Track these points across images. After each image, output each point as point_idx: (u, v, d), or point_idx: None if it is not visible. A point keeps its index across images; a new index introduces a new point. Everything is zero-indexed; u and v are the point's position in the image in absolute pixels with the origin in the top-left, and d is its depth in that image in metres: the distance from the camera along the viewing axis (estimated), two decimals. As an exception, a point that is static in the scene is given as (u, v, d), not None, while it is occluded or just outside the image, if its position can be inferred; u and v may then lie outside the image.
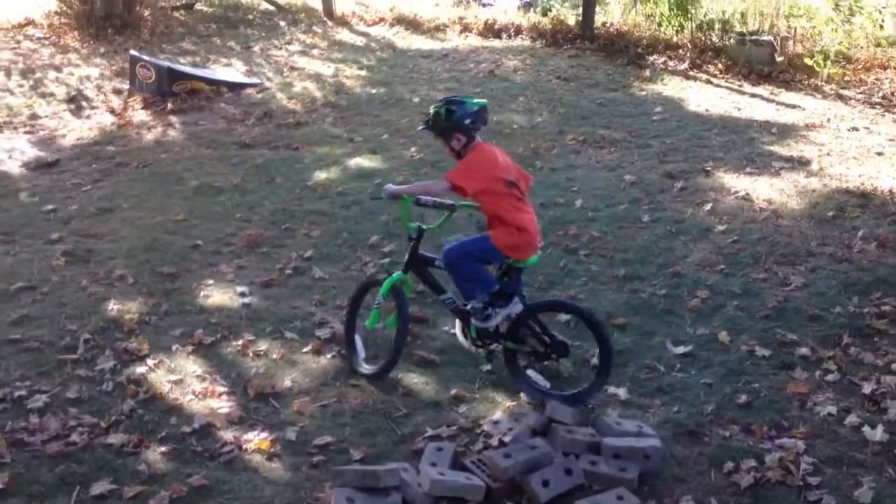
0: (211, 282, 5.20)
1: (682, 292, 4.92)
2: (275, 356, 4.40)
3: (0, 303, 4.95)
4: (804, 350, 4.26)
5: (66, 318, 4.77)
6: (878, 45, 9.43)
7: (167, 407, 3.97)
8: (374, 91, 8.99)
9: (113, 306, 4.89)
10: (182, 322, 4.75)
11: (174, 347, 4.48)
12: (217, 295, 5.04)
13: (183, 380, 4.20)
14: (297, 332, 4.63)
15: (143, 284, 5.16)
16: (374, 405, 3.98)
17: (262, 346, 4.50)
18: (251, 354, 4.42)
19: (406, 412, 3.92)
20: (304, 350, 4.45)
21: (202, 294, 5.06)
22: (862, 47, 9.39)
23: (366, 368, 4.26)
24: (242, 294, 5.03)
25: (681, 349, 4.35)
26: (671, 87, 8.92)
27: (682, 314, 4.71)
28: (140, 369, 4.27)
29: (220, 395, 4.07)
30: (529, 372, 4.16)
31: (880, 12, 9.15)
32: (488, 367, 4.26)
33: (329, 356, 4.40)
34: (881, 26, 9.28)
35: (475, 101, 4.15)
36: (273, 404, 4.00)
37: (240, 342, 4.52)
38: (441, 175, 4.32)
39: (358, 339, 4.42)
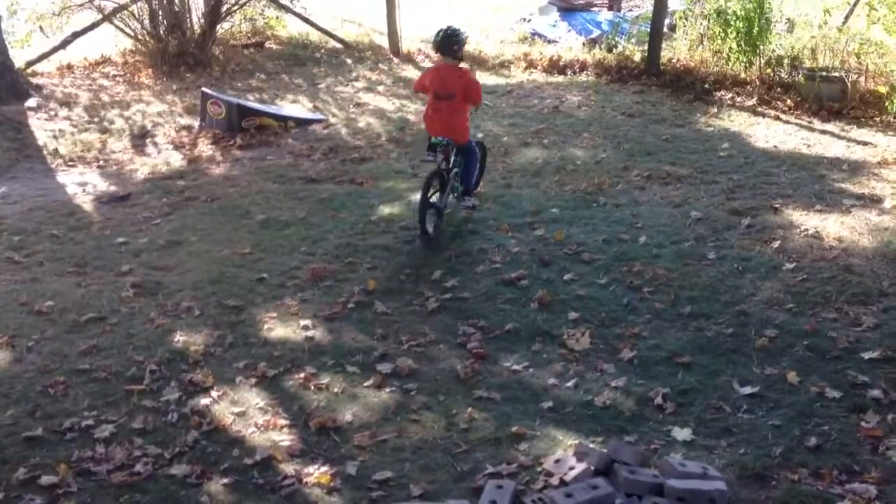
0: (275, 314, 5.26)
1: (749, 331, 4.82)
2: (336, 390, 4.43)
3: (70, 333, 5.08)
4: (876, 392, 4.13)
5: (133, 349, 4.87)
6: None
7: (230, 439, 4.01)
8: (438, 127, 9.05)
9: (179, 338, 4.98)
10: (246, 354, 4.81)
11: (238, 380, 4.54)
12: (280, 328, 5.10)
13: (246, 412, 4.24)
14: (359, 366, 4.65)
15: (209, 317, 5.25)
16: (434, 441, 3.96)
17: (324, 379, 4.53)
18: (313, 388, 4.45)
19: (466, 448, 3.90)
20: (366, 384, 4.47)
21: (266, 327, 5.12)
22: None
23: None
24: (305, 327, 5.08)
25: (748, 389, 4.25)
26: (738, 123, 8.81)
27: (749, 353, 4.60)
28: (204, 401, 4.33)
29: (282, 427, 4.10)
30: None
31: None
32: (550, 403, 4.22)
33: (389, 390, 4.41)
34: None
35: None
36: (334, 438, 4.02)
37: (302, 375, 4.56)
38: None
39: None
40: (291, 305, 5.37)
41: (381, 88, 10.74)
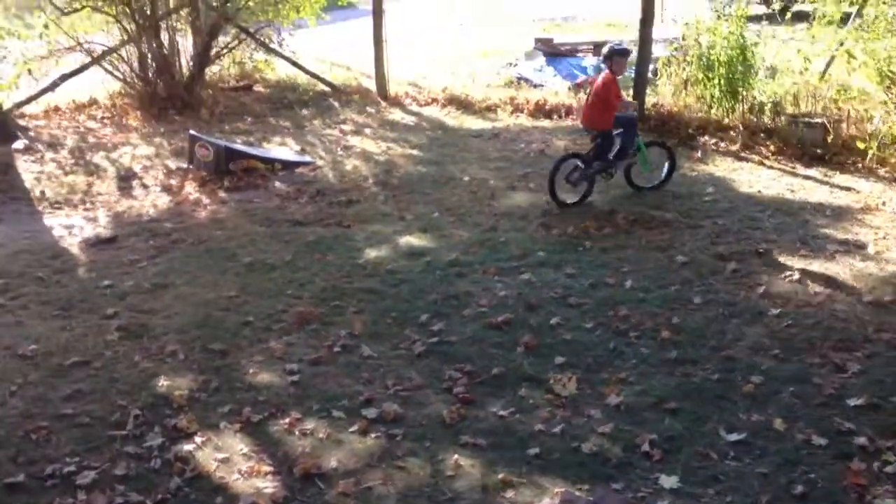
0: (260, 359, 5.23)
1: (736, 377, 4.83)
2: (321, 435, 4.40)
3: (54, 377, 5.03)
4: (862, 440, 4.14)
5: (117, 394, 4.83)
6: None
7: (213, 486, 3.97)
8: (424, 170, 9.11)
9: (163, 382, 4.95)
10: (230, 399, 4.78)
11: (222, 425, 4.50)
12: (266, 372, 5.07)
13: (230, 458, 4.20)
14: (344, 411, 4.62)
15: (194, 361, 5.21)
16: (420, 488, 3.94)
17: (309, 424, 4.50)
18: (298, 433, 4.42)
19: (451, 496, 3.87)
20: (351, 429, 4.44)
21: (251, 371, 5.09)
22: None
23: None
24: (291, 371, 5.06)
25: (734, 436, 4.25)
26: (722, 168, 8.90)
27: (735, 400, 4.60)
28: (188, 447, 4.29)
29: (266, 474, 4.06)
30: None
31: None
32: (536, 450, 4.20)
33: (374, 436, 4.38)
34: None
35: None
36: (318, 485, 3.98)
37: (287, 420, 4.53)
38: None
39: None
40: (277, 349, 5.34)
41: (368, 131, 10.81)
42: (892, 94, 8.99)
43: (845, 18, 9.86)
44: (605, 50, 7.88)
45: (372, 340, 5.45)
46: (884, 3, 9.03)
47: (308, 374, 5.03)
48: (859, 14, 9.95)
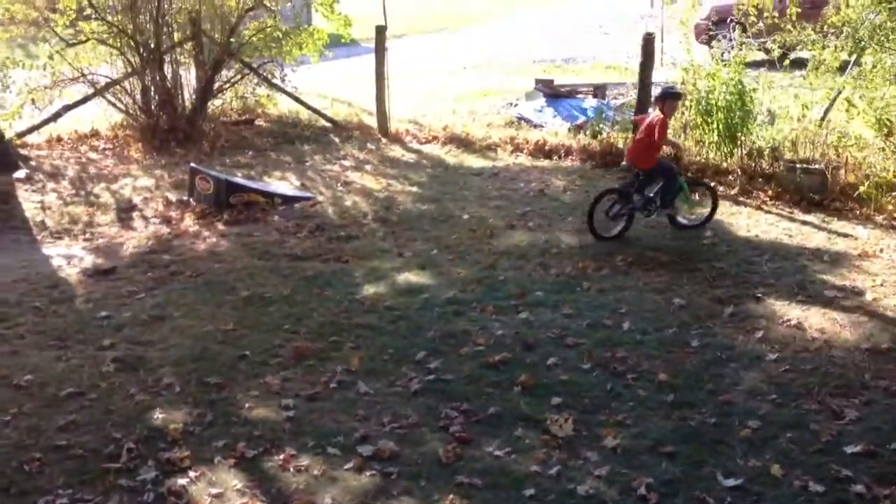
0: (256, 393, 5.22)
1: (733, 421, 4.82)
2: (316, 472, 4.37)
3: (49, 408, 5.01)
4: (859, 487, 4.13)
5: (111, 426, 4.81)
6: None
7: (206, 521, 3.93)
8: (424, 207, 9.14)
9: (158, 415, 4.93)
10: (225, 433, 4.76)
11: (216, 459, 4.48)
12: (261, 407, 5.06)
13: (223, 493, 4.18)
14: (340, 448, 4.61)
15: (190, 394, 5.20)
16: (415, 528, 3.91)
17: (304, 461, 4.47)
18: (292, 469, 4.40)
19: (447, 537, 3.84)
20: (346, 467, 4.42)
21: (247, 405, 5.08)
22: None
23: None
24: (286, 407, 5.04)
25: (731, 482, 4.24)
26: (721, 211, 8.91)
27: (732, 444, 4.60)
28: (181, 481, 4.26)
29: (260, 510, 4.03)
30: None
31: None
32: (532, 491, 4.18)
33: (369, 474, 4.36)
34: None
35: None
36: (312, 523, 3.95)
37: (281, 456, 4.51)
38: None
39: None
40: (273, 384, 5.33)
41: (368, 168, 10.86)
42: (889, 141, 9.06)
43: (843, 66, 9.95)
44: (658, 91, 8.22)
45: (368, 377, 5.43)
46: (882, 52, 9.11)
47: (304, 410, 5.02)
48: (857, 63, 10.05)
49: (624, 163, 8.49)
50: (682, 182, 8.16)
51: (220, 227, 8.51)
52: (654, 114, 8.08)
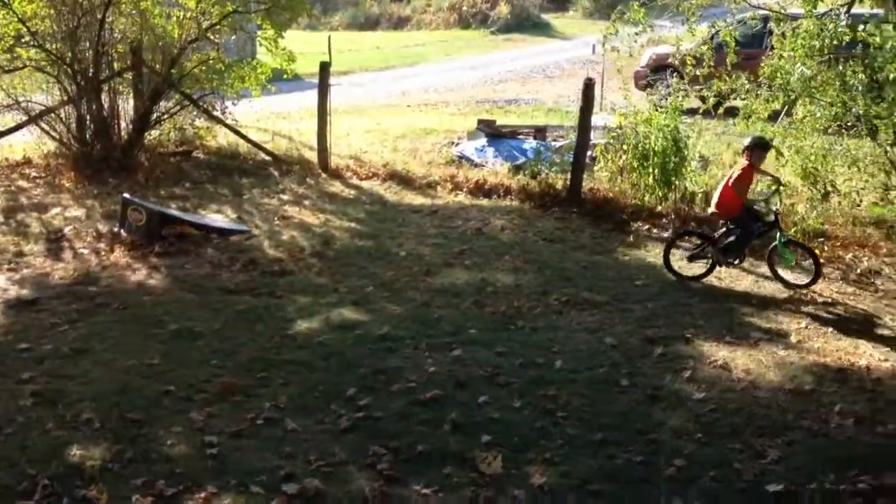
0: (179, 429, 5.09)
1: (659, 460, 4.85)
2: (237, 511, 4.27)
3: (-39, 443, 4.83)
4: (780, 527, 4.17)
5: (26, 462, 4.65)
6: (855, 223, 9.67)
7: (119, 561, 3.81)
8: (361, 243, 9.11)
9: (76, 451, 4.78)
10: (145, 471, 4.63)
11: (134, 498, 4.35)
12: (184, 444, 4.94)
13: (139, 532, 4.05)
14: (263, 487, 4.51)
15: (109, 430, 5.05)
16: (336, 568, 3.83)
17: (226, 499, 4.38)
18: (213, 508, 4.28)
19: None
20: (269, 506, 4.33)
21: (169, 442, 4.95)
22: (840, 225, 9.62)
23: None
24: (210, 444, 4.93)
25: (656, 521, 4.25)
26: (654, 253, 9.06)
27: (657, 483, 4.62)
28: (95, 519, 4.12)
29: (176, 550, 3.92)
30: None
31: (858, 193, 9.43)
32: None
33: (293, 513, 4.27)
34: (858, 205, 9.53)
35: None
36: (230, 563, 3.85)
37: (202, 494, 4.40)
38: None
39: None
40: (197, 420, 5.21)
41: (307, 202, 10.80)
42: (815, 189, 9.32)
43: (774, 115, 10.24)
44: (747, 141, 8.03)
45: (297, 413, 5.35)
46: (812, 104, 9.40)
47: (228, 447, 4.91)
48: (788, 113, 10.35)
49: (712, 211, 8.29)
50: (781, 238, 7.97)
51: (152, 259, 8.36)
52: (741, 163, 8.06)
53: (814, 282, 7.91)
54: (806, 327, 6.99)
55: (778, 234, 7.99)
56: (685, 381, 5.91)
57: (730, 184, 7.96)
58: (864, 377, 6.03)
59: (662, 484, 4.60)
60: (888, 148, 9.11)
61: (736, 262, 8.16)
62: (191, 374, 5.86)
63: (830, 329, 6.98)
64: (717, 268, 8.14)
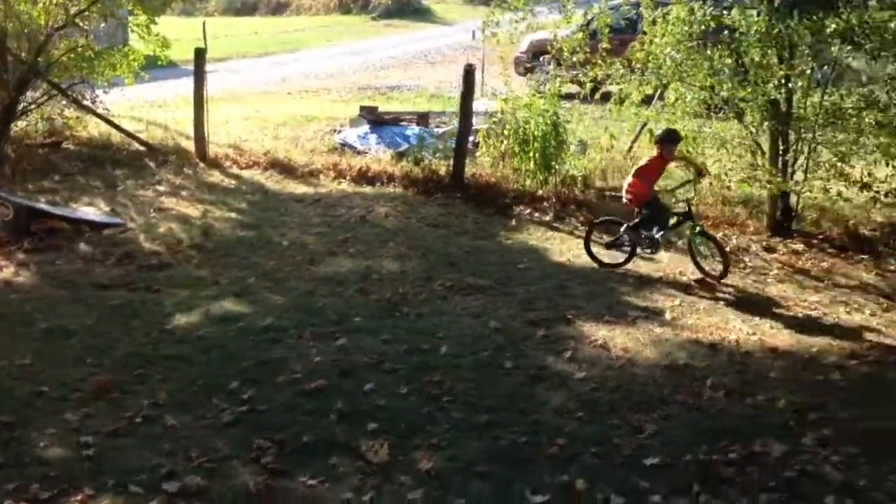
0: (53, 431, 4.90)
1: (542, 439, 4.95)
2: (115, 512, 4.14)
3: None
4: (657, 498, 4.33)
5: None
6: (725, 203, 10.08)
7: (-12, 571, 3.64)
8: (242, 233, 8.94)
9: (-60, 458, 4.54)
10: (17, 475, 4.44)
11: (6, 503, 4.16)
12: (58, 445, 4.75)
13: (10, 540, 3.88)
14: (142, 486, 4.38)
15: (-23, 435, 4.82)
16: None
17: (103, 500, 4.24)
18: (90, 510, 4.14)
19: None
20: (149, 505, 4.21)
21: (42, 444, 4.76)
22: (710, 205, 10.01)
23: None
24: (86, 444, 4.76)
25: (539, 498, 4.34)
26: (536, 237, 9.23)
27: (541, 462, 4.71)
28: (-38, 529, 3.93)
29: (50, 556, 3.77)
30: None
31: (726, 174, 9.82)
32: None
33: (175, 512, 4.17)
34: (728, 188, 9.93)
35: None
36: (108, 566, 3.73)
37: (79, 497, 4.25)
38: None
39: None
40: (72, 421, 5.03)
41: (184, 193, 10.52)
42: (689, 171, 9.65)
43: (648, 99, 10.55)
44: (658, 133, 8.24)
45: (176, 410, 5.22)
46: (683, 88, 9.72)
47: (104, 447, 4.75)
48: (661, 97, 10.68)
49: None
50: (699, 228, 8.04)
51: (20, 255, 8.00)
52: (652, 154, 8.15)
53: (725, 272, 7.89)
54: (680, 304, 7.25)
55: (692, 224, 8.06)
56: (567, 361, 6.05)
57: (633, 172, 8.09)
58: (734, 351, 6.30)
59: (545, 462, 4.69)
60: (753, 129, 9.53)
61: (652, 247, 8.19)
62: (64, 373, 5.64)
63: (703, 305, 7.27)
64: (637, 252, 8.20)
